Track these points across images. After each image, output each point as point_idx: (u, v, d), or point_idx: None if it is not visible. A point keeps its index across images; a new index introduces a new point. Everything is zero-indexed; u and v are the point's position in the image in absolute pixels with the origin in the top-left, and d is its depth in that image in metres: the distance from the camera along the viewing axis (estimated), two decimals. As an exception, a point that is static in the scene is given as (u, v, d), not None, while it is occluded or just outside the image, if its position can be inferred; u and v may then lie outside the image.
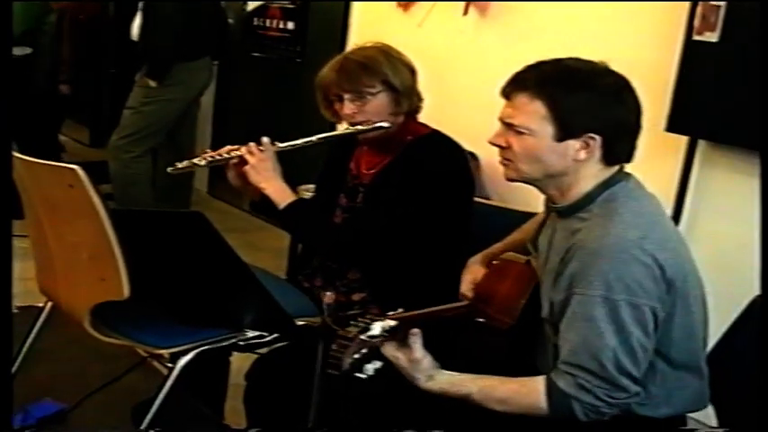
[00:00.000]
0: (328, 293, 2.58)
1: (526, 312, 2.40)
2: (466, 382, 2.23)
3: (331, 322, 2.34)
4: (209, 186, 6.91)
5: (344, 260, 2.97)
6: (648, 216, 2.22)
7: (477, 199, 3.13)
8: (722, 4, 3.51)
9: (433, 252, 2.89)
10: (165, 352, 2.68)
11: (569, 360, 2.14)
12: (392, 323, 2.17)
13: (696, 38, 3.62)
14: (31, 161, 2.64)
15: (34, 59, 6.08)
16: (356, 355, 2.09)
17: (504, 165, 2.30)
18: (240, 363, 3.25)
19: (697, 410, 2.35)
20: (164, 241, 2.53)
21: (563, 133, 2.19)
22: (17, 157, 2.66)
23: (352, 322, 2.14)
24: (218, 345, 2.69)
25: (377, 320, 2.15)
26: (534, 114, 2.19)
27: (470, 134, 3.33)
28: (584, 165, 2.22)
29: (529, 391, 2.18)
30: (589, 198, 2.24)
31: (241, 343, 2.76)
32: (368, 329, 2.12)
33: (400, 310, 2.31)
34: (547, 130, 2.19)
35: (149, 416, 2.63)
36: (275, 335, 2.78)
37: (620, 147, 2.23)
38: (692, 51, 3.65)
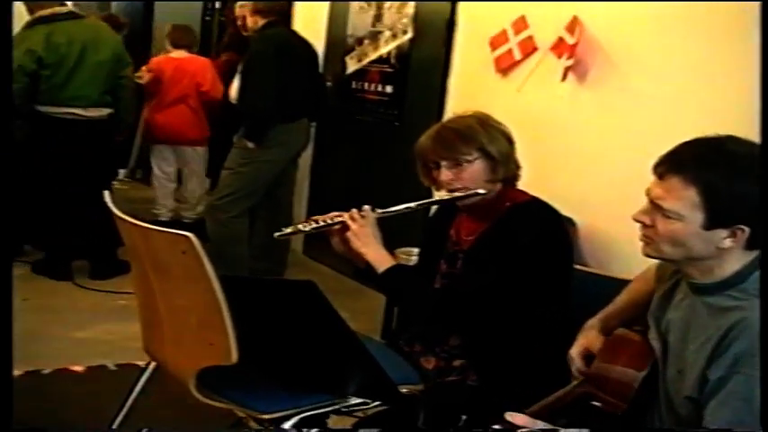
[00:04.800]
0: None
1: (641, 391, 2.36)
2: None
3: None
4: (304, 247, 6.94)
5: (443, 325, 2.98)
6: None
7: (574, 266, 3.12)
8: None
9: (532, 319, 2.88)
10: (269, 417, 2.69)
11: None
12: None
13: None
14: (146, 227, 2.71)
15: (115, 117, 6.18)
16: None
17: (645, 242, 2.27)
18: (336, 423, 3.25)
19: None
20: (274, 308, 2.57)
21: (713, 222, 2.14)
22: (132, 223, 2.72)
23: None
24: (321, 411, 2.71)
25: None
26: (687, 200, 2.14)
27: (568, 199, 3.33)
28: (727, 251, 2.17)
29: None
30: (740, 277, 2.18)
31: (343, 409, 2.78)
32: None
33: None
34: (696, 217, 2.14)
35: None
36: (379, 402, 2.80)
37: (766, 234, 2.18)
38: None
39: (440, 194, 3.06)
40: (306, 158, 6.71)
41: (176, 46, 7.71)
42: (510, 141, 2.99)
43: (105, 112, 6.02)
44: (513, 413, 2.00)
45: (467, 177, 2.90)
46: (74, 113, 5.82)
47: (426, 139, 2.98)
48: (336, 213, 2.97)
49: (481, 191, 2.90)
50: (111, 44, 6.07)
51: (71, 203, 5.96)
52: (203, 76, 7.52)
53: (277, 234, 3.04)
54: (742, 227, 2.13)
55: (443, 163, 2.92)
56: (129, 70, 6.25)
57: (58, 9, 5.88)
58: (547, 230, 2.93)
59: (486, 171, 2.91)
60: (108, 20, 7.48)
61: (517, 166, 3.02)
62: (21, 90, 5.60)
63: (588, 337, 2.60)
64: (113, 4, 10.91)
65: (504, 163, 2.94)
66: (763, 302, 2.13)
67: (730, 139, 2.20)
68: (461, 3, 5.70)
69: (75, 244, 6.12)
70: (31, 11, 5.88)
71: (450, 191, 2.94)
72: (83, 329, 5.08)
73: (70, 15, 5.96)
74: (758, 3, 3.42)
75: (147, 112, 7.76)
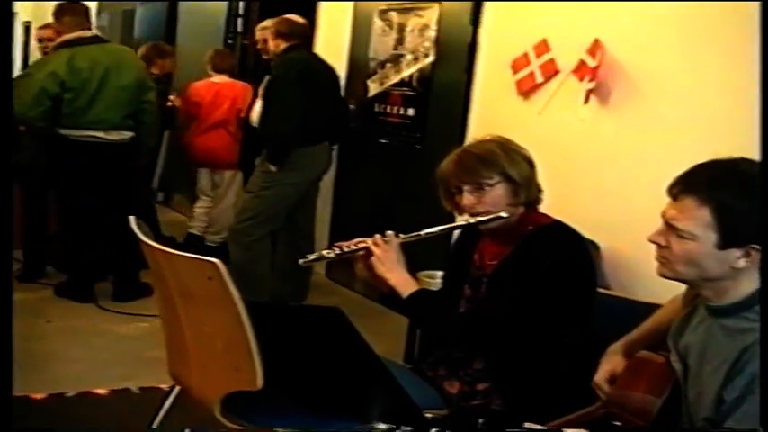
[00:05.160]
0: None
1: (661, 413, 2.37)
2: None
3: None
4: (327, 269, 6.94)
5: (468, 349, 2.99)
6: None
7: (597, 289, 3.12)
8: None
9: (556, 342, 2.88)
10: (295, 442, 2.70)
11: None
12: None
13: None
14: (172, 253, 2.73)
15: (137, 140, 6.19)
16: None
17: (660, 262, 2.30)
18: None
19: None
20: (299, 334, 2.57)
21: (726, 242, 2.16)
22: (157, 248, 2.74)
23: None
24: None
25: None
26: (699, 220, 2.17)
27: (590, 222, 3.32)
28: (741, 271, 2.19)
29: None
30: (754, 298, 2.20)
31: (371, 435, 2.78)
32: None
33: None
34: (710, 237, 2.17)
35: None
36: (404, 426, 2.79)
37: None
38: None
39: (462, 219, 3.07)
40: (328, 181, 6.73)
41: (217, 71, 7.75)
42: (531, 165, 3.01)
43: (127, 135, 6.04)
44: (532, 423, 2.03)
45: (489, 201, 2.91)
46: (95, 137, 5.84)
47: (448, 164, 2.99)
48: (360, 240, 2.98)
49: (503, 214, 2.90)
50: (134, 69, 6.11)
51: (93, 226, 6.01)
52: (243, 101, 7.51)
53: (302, 261, 3.05)
54: (755, 246, 2.15)
55: (465, 187, 2.93)
56: (152, 95, 6.26)
57: (82, 33, 5.94)
58: (570, 254, 2.94)
59: (507, 195, 2.92)
60: (154, 48, 7.54)
61: (539, 190, 3.03)
62: (43, 113, 5.66)
63: (612, 362, 2.61)
64: (136, 30, 10.99)
65: (525, 186, 2.95)
66: (763, 305, 2.14)
67: (743, 161, 2.23)
68: (483, 26, 5.73)
69: (97, 266, 6.16)
70: (58, 34, 5.94)
71: (473, 215, 2.95)
72: (106, 352, 5.10)
73: (95, 40, 6.03)
74: (758, 3, 3.42)
75: (188, 135, 7.79)
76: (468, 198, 2.93)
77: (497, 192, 2.91)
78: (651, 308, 2.80)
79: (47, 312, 5.56)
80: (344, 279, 6.56)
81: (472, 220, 2.96)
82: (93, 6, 13.47)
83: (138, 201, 6.39)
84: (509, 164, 2.92)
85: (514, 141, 3.03)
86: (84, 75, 5.75)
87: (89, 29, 6.11)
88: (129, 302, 5.98)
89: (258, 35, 6.61)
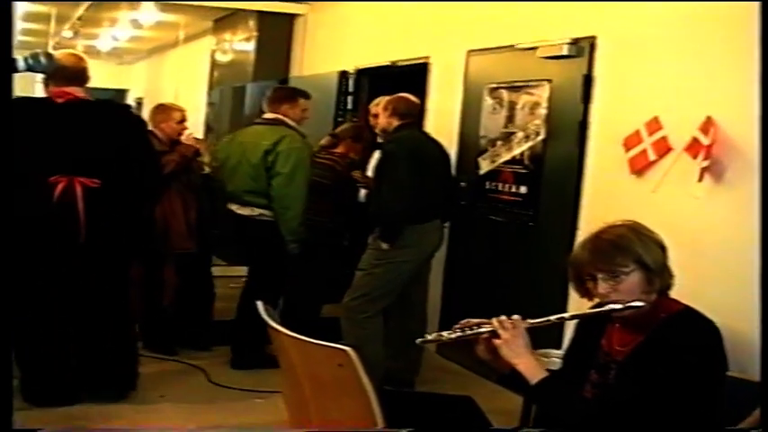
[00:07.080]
0: None
1: None
2: None
3: None
4: (438, 346, 6.93)
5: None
6: None
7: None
8: None
9: (682, 428, 2.85)
10: None
11: None
12: None
13: None
14: (302, 340, 2.76)
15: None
16: None
17: None
18: None
19: None
20: (430, 422, 2.60)
21: None
22: (284, 333, 2.79)
23: None
24: None
25: None
26: None
27: (706, 300, 3.29)
28: None
29: None
30: None
31: None
32: None
33: None
34: None
35: None
36: None
37: None
38: None
39: (595, 305, 3.03)
40: (439, 258, 6.72)
41: None
42: (663, 250, 2.99)
43: (257, 212, 6.31)
44: None
45: (624, 290, 2.90)
46: (231, 210, 6.37)
47: (582, 251, 2.99)
48: (484, 321, 2.97)
49: (639, 303, 2.89)
50: (263, 150, 6.22)
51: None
52: None
53: (419, 341, 3.07)
54: None
55: (600, 275, 2.92)
56: (278, 180, 6.23)
57: (266, 115, 6.50)
58: (705, 343, 2.90)
59: (642, 283, 2.91)
60: (352, 129, 7.54)
61: (671, 276, 3.01)
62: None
63: None
64: (246, 106, 11.18)
65: (659, 273, 2.94)
66: (764, 304, 2.13)
67: None
68: (594, 104, 5.76)
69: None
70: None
71: (607, 302, 2.94)
72: (219, 428, 5.15)
73: (270, 121, 6.46)
74: (758, 3, 3.39)
75: None
76: (602, 287, 2.92)
77: (632, 280, 2.90)
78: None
79: (160, 387, 5.66)
80: (456, 356, 6.54)
81: (607, 309, 2.94)
82: (204, 83, 13.86)
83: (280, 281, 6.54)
84: (644, 251, 2.91)
85: (646, 226, 3.03)
86: (229, 150, 6.44)
87: (283, 113, 6.44)
88: (245, 371, 6.16)
89: (372, 110, 6.70)
